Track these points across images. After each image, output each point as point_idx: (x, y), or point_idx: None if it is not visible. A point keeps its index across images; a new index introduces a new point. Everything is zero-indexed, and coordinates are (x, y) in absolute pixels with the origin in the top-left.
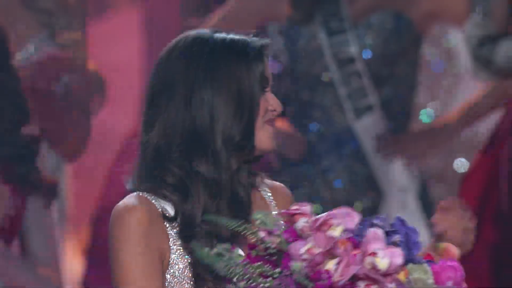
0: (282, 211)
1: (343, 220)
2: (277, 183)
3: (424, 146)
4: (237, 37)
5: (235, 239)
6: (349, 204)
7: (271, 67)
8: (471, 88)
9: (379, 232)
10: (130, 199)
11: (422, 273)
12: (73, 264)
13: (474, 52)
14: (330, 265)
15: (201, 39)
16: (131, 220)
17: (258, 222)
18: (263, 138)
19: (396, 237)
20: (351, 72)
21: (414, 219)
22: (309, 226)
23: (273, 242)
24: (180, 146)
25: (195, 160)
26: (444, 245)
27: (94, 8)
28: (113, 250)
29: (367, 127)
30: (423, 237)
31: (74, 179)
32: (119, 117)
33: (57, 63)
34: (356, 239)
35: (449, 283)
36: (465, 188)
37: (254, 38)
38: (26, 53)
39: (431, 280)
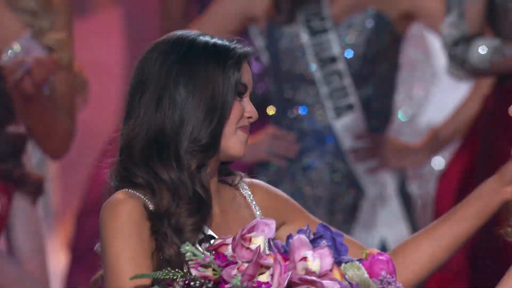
0: (209, 246)
1: (261, 231)
2: (255, 180)
3: (406, 162)
4: (219, 42)
5: (198, 232)
6: (332, 201)
7: (253, 67)
8: (449, 88)
9: (303, 237)
10: (120, 194)
11: (356, 269)
12: (57, 259)
13: (449, 51)
14: (264, 277)
15: (182, 40)
16: (123, 212)
17: (187, 254)
18: (235, 144)
19: (323, 242)
20: (333, 71)
21: (395, 215)
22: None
23: (207, 275)
24: (143, 149)
25: (156, 165)
26: (368, 250)
27: (74, 8)
28: (105, 241)
29: (347, 126)
30: (403, 232)
31: (58, 176)
32: (101, 115)
33: (44, 67)
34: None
35: (383, 273)
36: (441, 185)
37: (237, 45)
38: (12, 53)
39: (366, 275)
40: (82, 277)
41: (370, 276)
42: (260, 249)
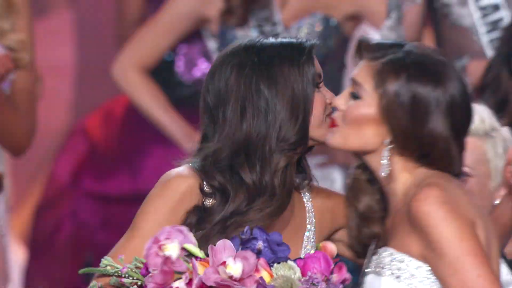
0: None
1: (175, 238)
2: (322, 187)
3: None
4: (285, 40)
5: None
6: None
7: (205, 69)
8: None
9: (227, 242)
10: (183, 169)
11: (287, 269)
12: (14, 255)
13: None
14: (178, 283)
15: (250, 48)
16: (175, 184)
17: (107, 268)
18: (325, 132)
19: (259, 243)
20: None
21: None
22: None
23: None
24: (231, 158)
25: (247, 170)
26: (321, 243)
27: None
28: (145, 201)
29: None
30: None
31: (9, 172)
32: (50, 113)
33: (1, 65)
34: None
35: (309, 273)
36: None
37: (301, 40)
38: None
39: (298, 274)
40: (39, 271)
41: (304, 275)
42: (171, 257)
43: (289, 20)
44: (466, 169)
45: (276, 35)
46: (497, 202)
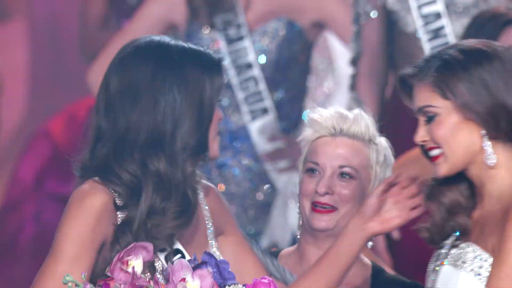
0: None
1: (139, 254)
2: (210, 184)
3: None
4: (197, 48)
5: (171, 240)
6: (244, 196)
7: None
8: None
9: (183, 261)
10: (90, 185)
11: None
12: None
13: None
14: None
15: (166, 46)
16: (89, 204)
17: (69, 285)
18: (216, 147)
19: (208, 269)
20: (249, 77)
21: None
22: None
23: None
24: (143, 146)
25: (155, 160)
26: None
27: None
28: (60, 225)
29: (262, 128)
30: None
31: None
32: (9, 116)
33: None
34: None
35: None
36: None
37: (211, 52)
38: None
39: None
40: (1, 272)
41: None
42: (135, 272)
43: (254, 23)
44: (351, 171)
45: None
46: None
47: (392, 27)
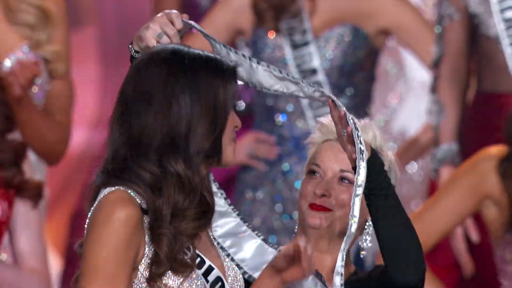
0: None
1: None
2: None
3: None
4: (211, 54)
5: (194, 239)
6: None
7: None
8: (421, 96)
9: None
10: (119, 195)
11: None
12: (51, 262)
13: (431, 70)
14: None
15: (179, 53)
16: (122, 218)
17: None
18: (230, 153)
19: None
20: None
21: None
22: None
23: None
24: (158, 148)
25: (172, 161)
26: None
27: None
28: (92, 242)
29: None
30: None
31: (49, 181)
32: (81, 126)
33: (27, 69)
34: None
35: None
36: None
37: (225, 59)
38: (10, 62)
39: None
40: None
41: None
42: None
43: (319, 29)
44: (351, 176)
45: (298, 44)
46: (369, 218)
47: (474, 30)
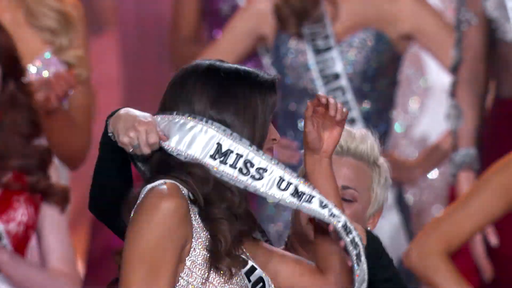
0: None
1: None
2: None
3: (401, 177)
4: (249, 68)
5: (250, 218)
6: None
7: None
8: (441, 100)
9: None
10: (166, 186)
11: None
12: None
13: (450, 74)
14: None
15: (214, 67)
16: (170, 207)
17: None
18: None
19: None
20: (336, 87)
21: (394, 224)
22: None
23: None
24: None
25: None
26: None
27: None
28: (140, 229)
29: None
30: (402, 240)
31: (72, 185)
32: (101, 129)
33: (64, 81)
34: None
35: None
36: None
37: (264, 72)
38: (34, 69)
39: None
40: (97, 285)
41: None
42: None
43: (342, 34)
44: (353, 193)
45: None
46: (368, 228)
47: (492, 35)
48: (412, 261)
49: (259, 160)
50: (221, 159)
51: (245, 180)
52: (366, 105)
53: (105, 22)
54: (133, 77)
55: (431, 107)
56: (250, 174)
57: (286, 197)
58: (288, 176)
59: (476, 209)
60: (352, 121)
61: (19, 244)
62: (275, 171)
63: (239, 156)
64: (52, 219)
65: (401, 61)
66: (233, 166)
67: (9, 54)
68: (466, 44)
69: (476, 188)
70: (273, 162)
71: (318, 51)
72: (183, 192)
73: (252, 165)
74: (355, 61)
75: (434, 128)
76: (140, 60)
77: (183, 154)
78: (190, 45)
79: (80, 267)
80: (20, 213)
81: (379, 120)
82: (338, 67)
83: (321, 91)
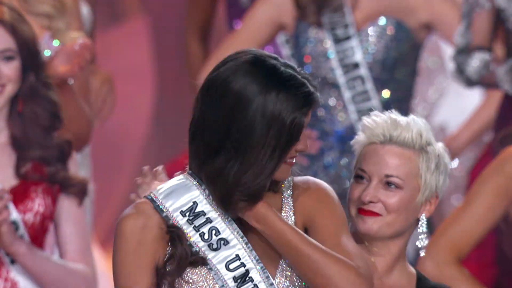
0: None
1: None
2: (306, 179)
3: None
4: (299, 77)
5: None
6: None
7: None
8: (460, 90)
9: None
10: (128, 209)
11: None
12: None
13: (453, 59)
14: None
15: (259, 62)
16: (125, 229)
17: None
18: (282, 172)
19: None
20: (356, 76)
21: None
22: None
23: None
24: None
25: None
26: None
27: (107, 16)
28: (113, 253)
29: None
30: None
31: (93, 179)
32: (133, 119)
33: (88, 51)
34: None
35: None
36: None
37: (311, 87)
38: (48, 51)
39: None
40: None
41: None
42: None
43: (361, 23)
44: (397, 181)
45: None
46: (421, 216)
47: (503, 25)
48: (427, 272)
49: (227, 231)
50: (191, 218)
51: (201, 246)
52: (386, 94)
53: (129, 10)
54: (164, 64)
55: (451, 97)
56: (209, 242)
57: (227, 278)
58: (248, 258)
59: (479, 214)
60: (371, 111)
61: (36, 235)
62: (236, 247)
63: (208, 220)
64: (69, 210)
65: (421, 50)
66: (196, 228)
67: (30, 46)
68: (475, 29)
69: (475, 192)
70: (240, 239)
71: (337, 40)
72: (154, 209)
73: (217, 234)
74: (375, 50)
75: (453, 117)
76: (172, 47)
77: (157, 202)
78: (198, 41)
79: (104, 260)
80: (37, 203)
81: (399, 109)
82: (358, 56)
83: (341, 80)
